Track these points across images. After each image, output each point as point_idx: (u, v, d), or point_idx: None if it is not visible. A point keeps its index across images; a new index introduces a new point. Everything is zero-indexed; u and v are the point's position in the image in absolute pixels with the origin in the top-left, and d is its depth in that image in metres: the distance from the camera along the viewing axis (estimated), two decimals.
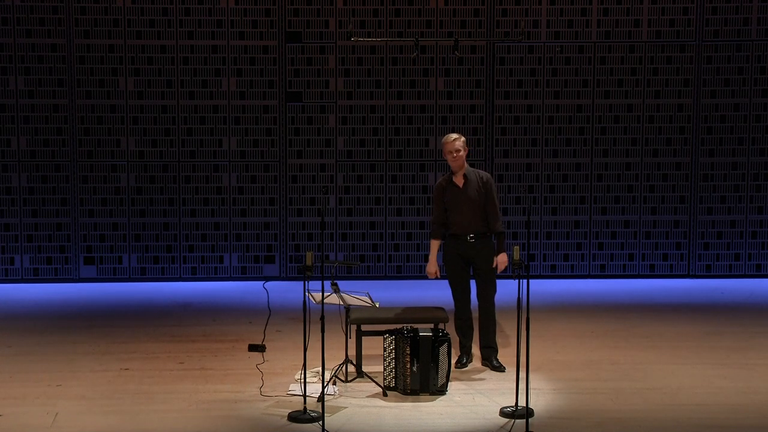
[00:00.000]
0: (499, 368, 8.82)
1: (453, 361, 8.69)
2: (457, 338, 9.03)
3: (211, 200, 12.28)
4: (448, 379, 8.32)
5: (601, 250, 12.47)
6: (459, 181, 8.85)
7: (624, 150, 12.38)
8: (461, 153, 8.79)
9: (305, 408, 7.70)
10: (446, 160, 8.92)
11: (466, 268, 8.93)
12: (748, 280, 12.43)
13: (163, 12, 12.05)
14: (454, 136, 8.82)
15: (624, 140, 12.37)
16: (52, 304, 11.31)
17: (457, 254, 8.88)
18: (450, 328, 8.72)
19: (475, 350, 9.13)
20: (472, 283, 8.97)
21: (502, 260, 8.84)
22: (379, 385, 8.30)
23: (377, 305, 8.62)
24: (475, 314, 8.98)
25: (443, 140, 8.87)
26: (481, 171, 8.99)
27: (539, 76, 12.28)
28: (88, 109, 12.09)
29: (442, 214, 8.92)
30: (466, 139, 8.92)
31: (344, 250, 12.40)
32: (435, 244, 9.01)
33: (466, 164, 8.90)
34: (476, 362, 9.10)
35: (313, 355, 7.87)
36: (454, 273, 8.94)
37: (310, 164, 12.30)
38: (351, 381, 8.53)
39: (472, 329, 9.03)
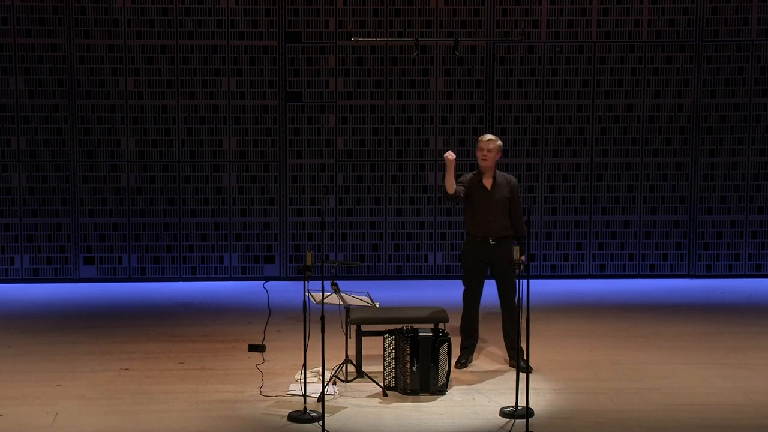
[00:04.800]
0: (525, 369, 8.75)
1: (453, 361, 8.69)
2: (458, 337, 9.03)
3: (211, 200, 12.28)
4: (448, 379, 8.33)
5: (601, 250, 12.48)
6: (488, 183, 8.83)
7: (624, 150, 12.38)
8: (492, 154, 8.76)
9: (305, 408, 7.70)
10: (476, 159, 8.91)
11: (485, 272, 8.90)
12: (748, 280, 12.43)
13: (163, 12, 12.05)
14: (490, 136, 8.82)
15: (624, 140, 12.37)
16: (52, 304, 11.31)
17: (478, 258, 8.84)
18: (450, 328, 8.70)
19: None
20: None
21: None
22: (379, 385, 8.31)
23: (377, 305, 8.62)
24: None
25: (479, 138, 8.87)
26: (508, 174, 9.00)
27: (539, 76, 12.28)
28: (88, 109, 12.09)
29: (460, 190, 8.81)
30: (501, 145, 8.87)
31: (344, 250, 12.40)
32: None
33: (495, 168, 8.87)
34: (475, 362, 9.10)
35: (313, 355, 7.87)
36: (472, 275, 8.90)
37: (310, 164, 12.31)
38: (351, 381, 8.53)
39: (477, 332, 9.04)
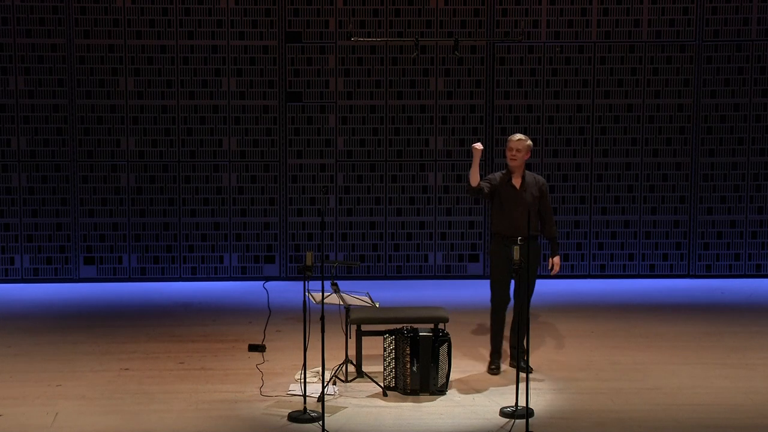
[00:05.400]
0: (525, 369, 8.72)
1: (453, 362, 8.68)
2: (458, 337, 9.00)
3: (211, 200, 12.28)
4: (448, 379, 8.32)
5: (601, 250, 12.47)
6: (517, 182, 8.71)
7: (624, 150, 12.38)
8: (521, 154, 8.64)
9: (305, 408, 7.70)
10: (506, 158, 8.76)
11: (512, 275, 8.65)
12: (748, 280, 12.43)
13: (163, 12, 12.05)
14: (519, 136, 8.70)
15: (624, 140, 12.37)
16: (52, 304, 11.31)
17: (506, 259, 8.56)
18: (450, 328, 8.69)
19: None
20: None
21: (558, 262, 8.80)
22: (379, 385, 8.30)
23: (377, 305, 8.62)
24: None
25: (509, 138, 8.75)
26: (537, 175, 8.89)
27: (539, 76, 12.28)
28: (88, 109, 12.09)
29: (485, 186, 8.66)
30: (531, 145, 8.74)
31: (344, 250, 12.40)
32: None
33: (524, 168, 8.76)
34: (476, 362, 9.10)
35: (313, 355, 7.88)
36: (499, 279, 8.72)
37: (310, 164, 12.30)
38: (351, 381, 8.53)
39: (503, 336, 8.90)
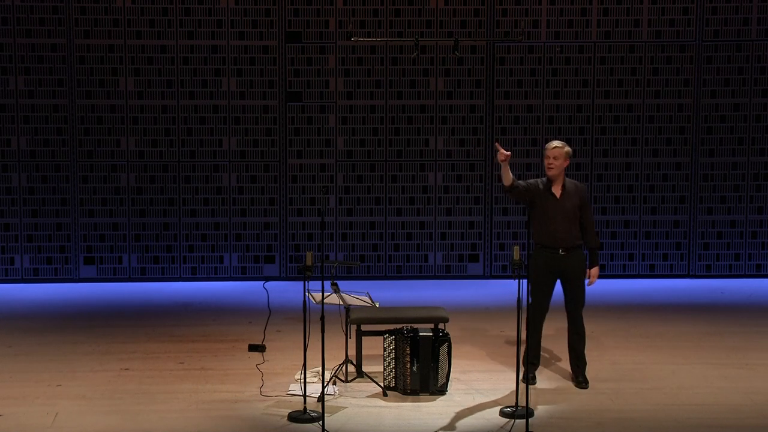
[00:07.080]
0: (584, 384, 8.48)
1: (453, 362, 8.68)
2: (457, 335, 9.00)
3: (211, 200, 12.28)
4: (448, 379, 8.32)
5: (601, 250, 12.46)
6: (557, 190, 8.41)
7: (624, 150, 12.38)
8: (559, 162, 8.33)
9: (305, 408, 7.70)
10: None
11: (552, 285, 8.48)
12: (748, 280, 12.43)
13: (163, 12, 12.05)
14: (556, 144, 8.41)
15: (624, 140, 12.37)
16: (52, 304, 11.31)
17: (547, 270, 8.40)
18: (450, 328, 8.69)
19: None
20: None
21: (596, 273, 8.55)
22: (379, 385, 8.31)
23: (377, 305, 8.62)
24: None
25: (546, 145, 8.47)
26: (577, 182, 8.59)
27: (539, 76, 12.28)
28: (88, 109, 12.09)
29: (520, 185, 8.39)
30: (569, 151, 8.44)
31: (344, 250, 12.40)
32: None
33: (564, 176, 8.46)
34: (476, 362, 9.10)
35: (313, 355, 7.88)
36: (538, 288, 8.43)
37: (310, 164, 12.30)
38: (351, 381, 8.53)
39: (539, 357, 8.62)
